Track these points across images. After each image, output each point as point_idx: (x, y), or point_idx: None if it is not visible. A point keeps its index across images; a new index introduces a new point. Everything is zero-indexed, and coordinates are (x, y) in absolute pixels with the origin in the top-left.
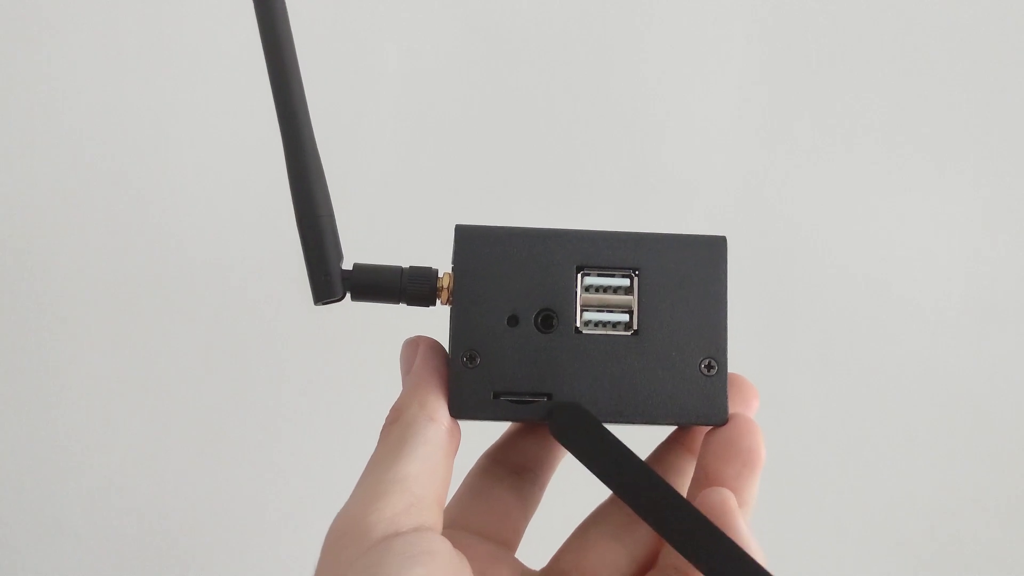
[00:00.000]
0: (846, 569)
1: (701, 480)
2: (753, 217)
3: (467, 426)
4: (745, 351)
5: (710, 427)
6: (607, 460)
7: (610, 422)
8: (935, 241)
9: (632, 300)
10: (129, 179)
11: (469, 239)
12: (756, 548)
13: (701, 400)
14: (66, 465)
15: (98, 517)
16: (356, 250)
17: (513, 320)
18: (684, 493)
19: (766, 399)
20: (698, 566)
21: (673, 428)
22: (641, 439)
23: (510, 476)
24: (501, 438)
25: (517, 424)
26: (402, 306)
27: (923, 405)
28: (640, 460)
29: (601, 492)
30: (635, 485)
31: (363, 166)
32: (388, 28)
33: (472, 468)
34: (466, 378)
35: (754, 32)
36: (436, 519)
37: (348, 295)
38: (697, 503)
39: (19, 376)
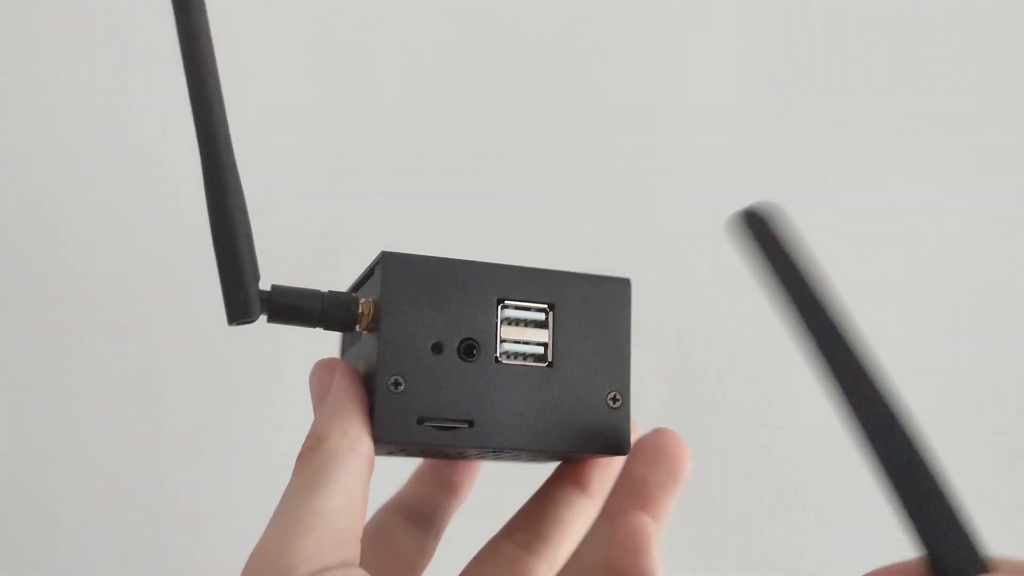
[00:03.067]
0: (846, 569)
1: (623, 486)
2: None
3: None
4: (744, 352)
5: (607, 458)
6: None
7: (525, 449)
8: (936, 241)
9: (547, 333)
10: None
11: (396, 266)
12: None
13: (607, 431)
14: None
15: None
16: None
17: (437, 347)
18: (574, 527)
19: (767, 400)
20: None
21: (556, 464)
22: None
23: (406, 522)
24: (401, 489)
25: (418, 469)
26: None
27: (923, 405)
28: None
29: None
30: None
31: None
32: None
33: (373, 514)
34: (392, 403)
35: (753, 37)
36: (357, 555)
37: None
38: (617, 524)
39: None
